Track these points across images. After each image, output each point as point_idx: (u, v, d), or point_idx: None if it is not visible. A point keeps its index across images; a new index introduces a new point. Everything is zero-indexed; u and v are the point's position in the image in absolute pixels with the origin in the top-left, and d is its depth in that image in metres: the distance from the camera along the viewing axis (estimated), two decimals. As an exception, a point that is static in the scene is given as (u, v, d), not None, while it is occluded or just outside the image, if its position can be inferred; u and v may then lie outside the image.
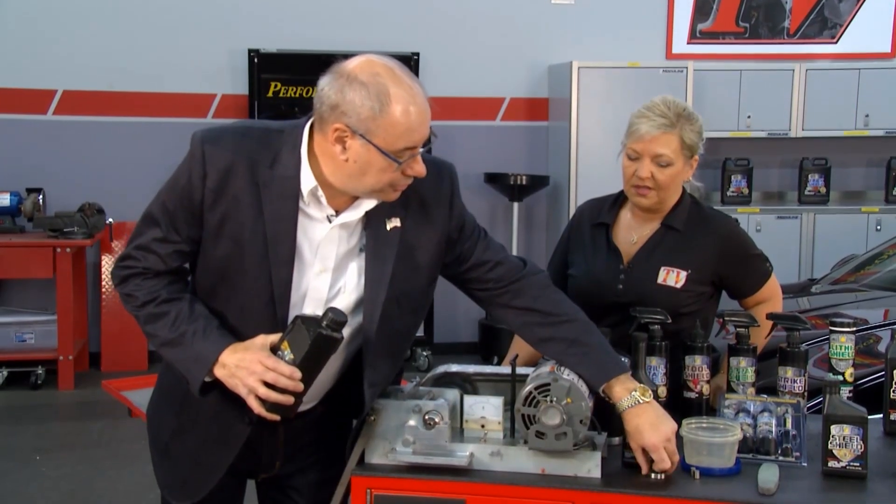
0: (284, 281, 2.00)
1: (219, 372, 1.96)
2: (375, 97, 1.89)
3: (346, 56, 1.97)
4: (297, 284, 2.01)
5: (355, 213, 2.02)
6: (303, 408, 2.07)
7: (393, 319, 2.06)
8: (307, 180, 1.99)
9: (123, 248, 2.23)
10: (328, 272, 2.04)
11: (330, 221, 2.02)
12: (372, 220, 2.05)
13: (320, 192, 2.00)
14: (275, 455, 2.18)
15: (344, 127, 1.91)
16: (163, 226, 2.01)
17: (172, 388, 2.14)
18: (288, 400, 1.92)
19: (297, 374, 1.90)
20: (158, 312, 2.01)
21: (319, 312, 1.95)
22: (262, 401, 1.92)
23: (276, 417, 1.96)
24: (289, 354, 1.91)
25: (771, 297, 2.64)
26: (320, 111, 1.94)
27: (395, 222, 2.06)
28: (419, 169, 1.98)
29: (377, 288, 2.04)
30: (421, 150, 1.98)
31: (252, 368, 1.91)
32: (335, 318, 1.91)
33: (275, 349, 1.93)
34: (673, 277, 2.56)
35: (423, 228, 2.10)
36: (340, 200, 2.02)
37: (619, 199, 2.70)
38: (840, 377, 2.32)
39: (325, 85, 1.93)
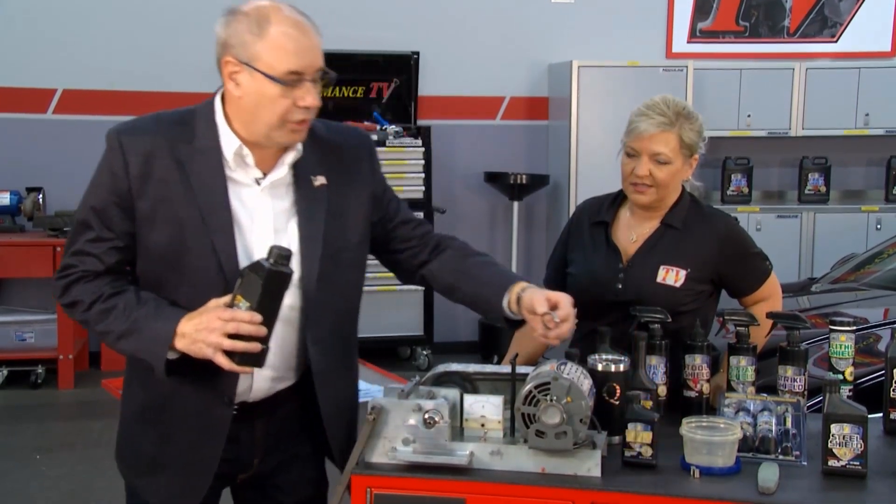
0: (228, 248, 2.02)
1: (180, 343, 1.95)
2: (255, 23, 1.95)
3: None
4: (243, 251, 2.03)
5: (280, 172, 2.07)
6: (274, 388, 2.11)
7: (331, 275, 2.10)
8: (229, 143, 2.03)
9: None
10: (269, 234, 2.06)
11: (259, 184, 2.06)
12: (300, 180, 2.09)
13: (246, 151, 2.03)
14: (253, 451, 2.17)
15: (233, 59, 1.97)
16: (95, 226, 2.02)
17: (147, 401, 2.13)
18: (255, 347, 1.92)
19: (257, 317, 1.90)
20: (107, 307, 2.01)
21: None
22: (231, 357, 1.92)
23: (249, 370, 1.97)
24: (245, 304, 1.92)
25: (770, 296, 2.64)
26: (216, 54, 2.01)
27: (321, 180, 2.11)
28: (311, 100, 1.99)
29: (312, 245, 2.08)
30: (319, 80, 2.01)
31: (212, 326, 1.91)
32: (280, 253, 1.92)
33: (229, 306, 1.94)
34: (672, 276, 2.56)
35: (349, 185, 2.16)
36: (266, 162, 2.06)
37: (618, 198, 2.70)
38: (840, 376, 2.32)
39: (217, 27, 2.01)
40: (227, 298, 1.94)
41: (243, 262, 2.00)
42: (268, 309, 1.93)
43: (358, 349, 2.31)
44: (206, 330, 1.91)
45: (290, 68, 1.95)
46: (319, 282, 2.08)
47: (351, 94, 6.50)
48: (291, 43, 1.95)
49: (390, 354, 6.48)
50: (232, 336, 1.90)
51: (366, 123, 6.35)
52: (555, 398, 1.96)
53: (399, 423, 2.04)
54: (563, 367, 2.04)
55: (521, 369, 2.07)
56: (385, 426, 2.05)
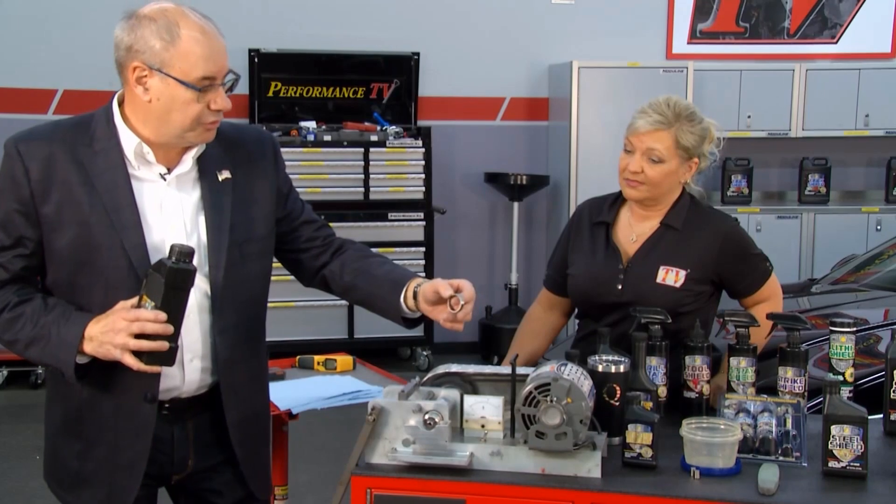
0: (138, 245, 2.02)
1: (88, 347, 1.95)
2: (165, 29, 1.97)
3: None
4: (155, 248, 2.03)
5: (185, 166, 2.08)
6: (207, 380, 2.11)
7: (238, 265, 2.12)
8: (129, 141, 2.04)
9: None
10: (180, 227, 2.07)
11: (164, 179, 2.07)
12: (205, 174, 2.11)
13: (146, 149, 2.04)
14: (186, 451, 2.16)
15: (141, 64, 1.99)
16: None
17: (66, 412, 2.12)
18: (162, 346, 1.92)
19: (162, 315, 1.91)
20: (14, 316, 2.01)
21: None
22: (140, 357, 1.93)
23: (158, 369, 1.97)
24: (150, 303, 1.92)
25: (771, 297, 2.64)
26: (117, 58, 2.03)
27: (225, 174, 2.13)
28: (222, 102, 2.02)
29: (219, 235, 2.09)
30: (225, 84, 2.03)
31: (117, 327, 1.91)
32: (181, 250, 1.93)
33: (136, 306, 1.94)
34: (672, 276, 2.56)
35: (253, 179, 2.18)
36: (169, 158, 2.07)
37: (619, 198, 2.70)
38: (840, 377, 2.32)
39: (118, 31, 2.04)
40: (133, 300, 1.95)
41: (155, 259, 1.99)
42: (172, 306, 1.92)
43: (267, 349, 2.31)
44: (111, 331, 1.92)
45: (203, 74, 1.98)
46: (227, 270, 2.09)
47: (351, 95, 6.50)
48: (203, 49, 1.98)
49: (390, 355, 6.48)
50: (139, 336, 1.91)
51: (366, 124, 6.35)
52: (555, 399, 1.96)
53: (399, 423, 2.04)
54: (563, 367, 2.04)
55: (521, 370, 2.07)
56: (385, 427, 2.05)
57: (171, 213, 2.07)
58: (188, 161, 2.08)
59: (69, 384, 2.02)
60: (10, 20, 6.32)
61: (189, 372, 2.10)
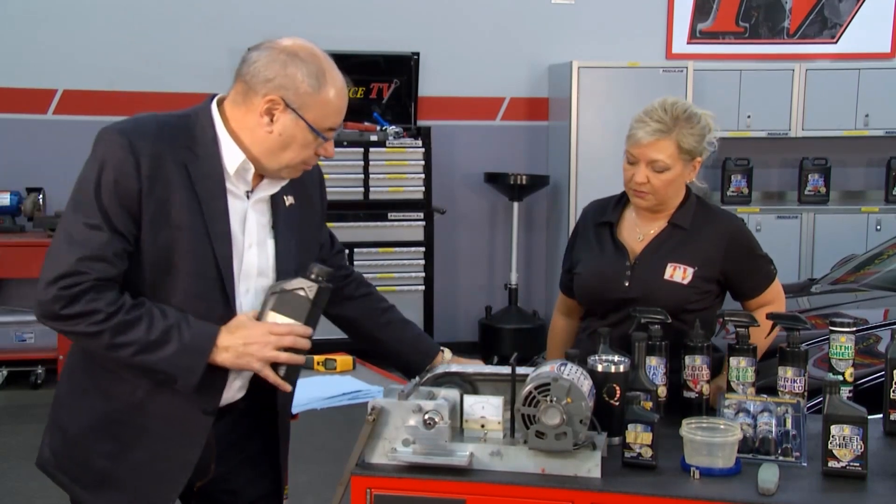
0: (226, 257, 2.03)
1: (222, 356, 1.97)
2: (315, 75, 2.01)
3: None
4: (238, 262, 2.06)
5: (271, 188, 2.12)
6: (233, 398, 2.14)
7: None
8: (233, 155, 2.05)
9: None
10: (254, 246, 2.09)
11: (248, 197, 2.09)
12: (274, 198, 2.15)
13: (249, 166, 2.06)
14: (209, 456, 2.15)
15: (278, 99, 1.99)
16: (105, 228, 1.94)
17: (109, 412, 2.06)
18: (300, 360, 2.02)
19: (310, 330, 2.02)
20: (131, 319, 1.94)
21: (251, 286, 2.06)
22: (276, 370, 2.01)
23: (289, 387, 2.06)
24: (282, 319, 1.99)
25: (775, 300, 2.65)
26: (250, 83, 2.01)
27: (290, 199, 2.18)
28: (331, 150, 2.11)
29: (288, 260, 2.13)
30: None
31: (264, 340, 1.97)
32: (324, 270, 2.04)
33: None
34: (680, 273, 2.56)
35: (307, 207, 2.24)
36: (255, 178, 2.11)
37: (622, 199, 2.70)
38: (840, 377, 2.32)
39: (260, 58, 2.01)
40: (253, 312, 2.01)
41: (236, 273, 2.03)
42: (314, 324, 2.04)
43: None
44: (257, 344, 1.97)
45: (331, 125, 2.05)
46: None
47: (351, 95, 6.44)
48: (340, 102, 2.06)
49: (390, 355, 6.47)
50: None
51: (366, 124, 6.35)
52: (555, 399, 1.96)
53: (399, 423, 2.04)
54: (563, 367, 2.04)
55: (521, 370, 2.08)
56: (385, 427, 2.05)
57: (250, 230, 2.09)
58: (276, 186, 2.12)
59: (175, 389, 1.99)
60: (10, 20, 6.32)
61: (229, 391, 2.11)
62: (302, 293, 2.00)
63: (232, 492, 2.23)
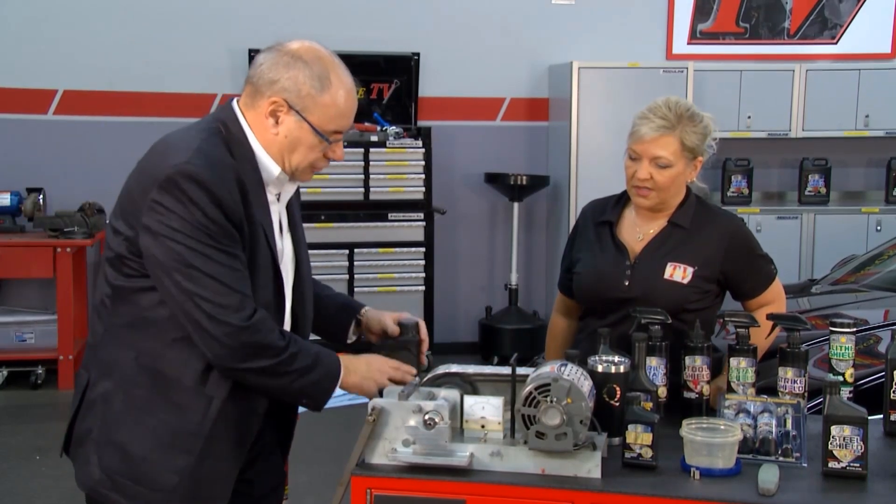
0: (277, 267, 2.09)
1: (350, 378, 2.12)
2: (317, 78, 2.02)
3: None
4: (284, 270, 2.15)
5: (292, 188, 2.18)
6: None
7: (310, 276, 2.29)
8: (270, 167, 2.08)
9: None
10: (288, 250, 2.17)
11: (279, 200, 2.14)
12: (281, 200, 2.19)
13: (284, 176, 2.10)
14: None
15: (281, 101, 2.02)
16: (241, 257, 1.98)
17: (181, 427, 2.03)
18: (396, 387, 2.18)
19: (414, 370, 2.25)
20: (296, 351, 2.03)
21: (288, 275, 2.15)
22: None
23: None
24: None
25: (775, 300, 2.65)
26: (257, 84, 2.04)
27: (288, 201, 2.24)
28: (340, 153, 2.12)
29: (304, 248, 2.22)
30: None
31: (384, 369, 2.18)
32: (416, 325, 2.41)
33: None
34: (680, 273, 2.56)
35: (296, 207, 2.28)
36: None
37: (622, 199, 2.71)
38: (840, 378, 2.32)
39: (266, 60, 2.04)
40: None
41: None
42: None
43: None
44: (379, 372, 2.17)
45: (336, 128, 2.06)
46: (309, 281, 2.25)
47: (352, 95, 6.49)
48: (345, 105, 2.06)
49: (390, 355, 6.47)
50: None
51: (366, 124, 6.35)
52: (555, 399, 1.96)
53: (399, 423, 2.04)
54: (563, 368, 2.04)
55: (521, 370, 2.08)
56: (385, 427, 2.05)
57: (282, 234, 2.15)
58: (293, 187, 2.17)
59: (228, 402, 2.04)
60: (10, 20, 6.32)
61: None
62: (403, 349, 2.34)
63: (248, 481, 2.23)
